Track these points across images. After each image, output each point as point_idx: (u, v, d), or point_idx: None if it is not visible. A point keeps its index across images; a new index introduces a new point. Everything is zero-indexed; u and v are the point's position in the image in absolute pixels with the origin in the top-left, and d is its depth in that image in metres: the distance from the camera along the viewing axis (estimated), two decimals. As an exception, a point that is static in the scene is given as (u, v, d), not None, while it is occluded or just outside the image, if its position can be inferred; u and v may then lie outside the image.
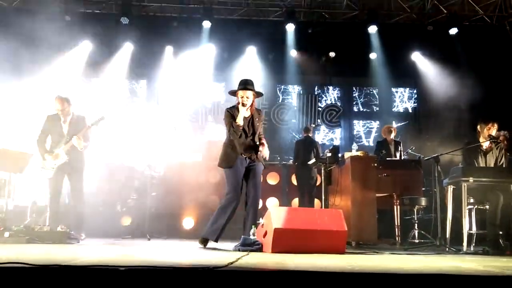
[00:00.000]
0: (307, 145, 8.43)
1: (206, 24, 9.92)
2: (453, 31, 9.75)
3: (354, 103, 11.19)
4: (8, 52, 9.33)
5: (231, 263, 2.83)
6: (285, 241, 4.12)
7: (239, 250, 4.33)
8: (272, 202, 8.65)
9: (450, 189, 5.41)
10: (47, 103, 8.76)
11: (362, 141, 10.85)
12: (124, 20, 9.64)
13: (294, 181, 8.71)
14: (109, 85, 10.94)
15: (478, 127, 5.49)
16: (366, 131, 10.98)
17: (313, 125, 8.92)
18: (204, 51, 10.40)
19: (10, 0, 9.87)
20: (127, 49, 10.34)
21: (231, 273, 2.41)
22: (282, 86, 11.26)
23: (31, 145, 6.63)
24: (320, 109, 10.88)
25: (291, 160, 8.88)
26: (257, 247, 4.35)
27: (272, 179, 8.87)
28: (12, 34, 9.34)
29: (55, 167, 5.82)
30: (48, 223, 6.31)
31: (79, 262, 2.71)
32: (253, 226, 4.68)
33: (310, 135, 8.67)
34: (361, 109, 11.20)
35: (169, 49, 10.42)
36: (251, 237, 4.53)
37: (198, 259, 3.36)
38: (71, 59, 10.11)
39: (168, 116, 10.69)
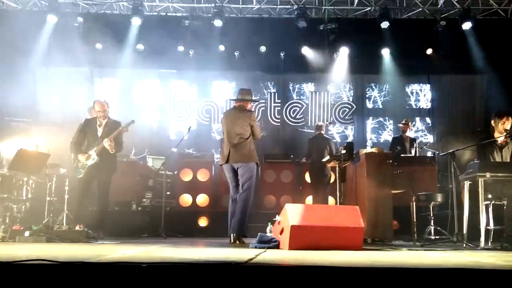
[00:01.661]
0: (320, 143, 8.42)
1: (218, 23, 9.93)
2: (467, 25, 9.64)
3: (367, 99, 11.14)
4: (22, 53, 9.48)
5: (251, 259, 2.85)
6: (302, 238, 4.12)
7: (256, 248, 4.34)
8: (285, 200, 8.64)
9: (466, 184, 5.35)
10: (62, 103, 8.93)
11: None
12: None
13: (307, 178, 8.70)
14: (121, 85, 11.05)
15: (492, 121, 5.44)
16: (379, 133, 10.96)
17: (327, 122, 8.88)
18: (215, 50, 10.42)
19: (24, 2, 9.99)
20: (139, 49, 10.40)
21: (252, 268, 2.43)
22: (294, 84, 11.25)
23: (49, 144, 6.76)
24: (332, 106, 10.84)
25: (304, 158, 8.86)
26: (274, 244, 4.36)
27: (285, 177, 8.87)
28: (26, 36, 9.48)
29: (86, 167, 5.99)
30: (65, 222, 6.41)
31: (102, 259, 2.74)
32: (269, 224, 4.72)
33: (323, 132, 8.65)
34: (374, 105, 11.15)
35: (180, 49, 10.46)
36: (268, 234, 4.55)
37: (217, 256, 3.38)
38: (83, 60, 10.20)
39: (181, 116, 10.76)
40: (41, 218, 6.65)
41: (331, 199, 8.23)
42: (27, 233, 4.93)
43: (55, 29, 9.73)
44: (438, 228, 6.04)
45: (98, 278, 2.23)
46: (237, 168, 5.41)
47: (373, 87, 11.18)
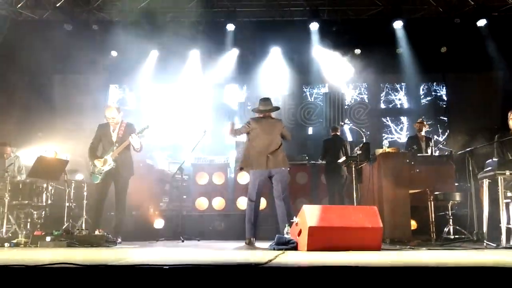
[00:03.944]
0: (335, 144, 8.39)
1: (230, 27, 9.98)
2: (482, 22, 9.52)
3: (381, 99, 11.07)
4: (40, 62, 9.64)
5: (270, 260, 2.86)
6: (320, 239, 4.12)
7: (274, 249, 4.34)
8: (301, 202, 8.62)
9: (485, 183, 5.29)
10: (79, 110, 9.07)
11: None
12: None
13: (323, 180, 8.68)
14: (136, 91, 11.18)
15: (510, 117, 5.40)
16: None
17: (342, 123, 8.84)
18: (229, 53, 10.47)
19: (40, 13, 10.18)
20: (153, 55, 10.50)
21: (272, 269, 2.44)
22: (308, 85, 11.24)
23: (67, 151, 6.86)
24: (347, 107, 10.80)
25: (320, 159, 8.83)
26: (292, 245, 4.36)
27: (301, 179, 8.85)
28: (43, 45, 9.64)
29: (103, 173, 6.01)
30: (84, 227, 6.50)
31: (125, 262, 2.78)
32: (286, 225, 4.72)
33: (338, 133, 8.63)
34: (389, 105, 11.08)
35: (194, 53, 10.53)
36: (286, 236, 4.55)
37: (236, 257, 3.40)
38: (99, 67, 10.34)
39: (196, 119, 10.83)
40: (61, 223, 6.76)
41: (347, 200, 8.19)
42: (48, 238, 5.00)
43: (71, 37, 9.87)
44: (457, 227, 5.98)
45: (122, 280, 2.26)
46: (273, 174, 5.74)
47: (388, 86, 11.10)
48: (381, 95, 11.09)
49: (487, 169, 5.20)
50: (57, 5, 9.95)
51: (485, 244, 5.01)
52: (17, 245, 5.37)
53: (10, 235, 6.15)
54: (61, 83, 10.22)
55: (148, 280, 2.25)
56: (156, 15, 10.07)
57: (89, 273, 2.31)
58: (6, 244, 5.35)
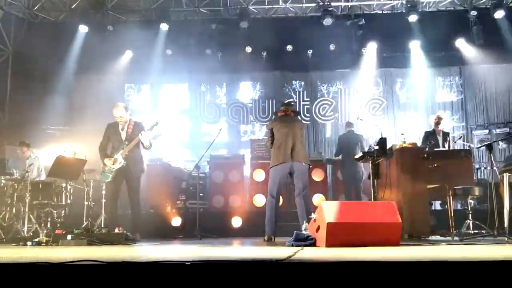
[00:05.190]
0: (351, 140, 8.36)
1: (244, 24, 9.98)
2: (499, 14, 9.37)
3: (398, 94, 10.97)
4: (56, 63, 9.79)
5: (290, 256, 2.86)
6: (339, 235, 4.10)
7: (292, 246, 4.34)
8: (318, 199, 8.60)
9: (506, 176, 5.22)
10: (96, 110, 9.17)
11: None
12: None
13: (340, 176, 8.64)
14: (152, 90, 11.26)
15: None
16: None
17: (358, 118, 8.77)
18: (243, 51, 10.47)
19: (57, 15, 10.32)
20: (168, 54, 10.56)
21: (292, 265, 2.44)
22: (323, 82, 11.18)
23: (85, 151, 6.95)
24: (363, 102, 10.71)
25: (335, 155, 8.80)
26: (310, 242, 4.35)
27: (317, 176, 8.82)
28: (60, 45, 9.78)
29: (114, 171, 6.07)
30: (104, 225, 6.58)
31: (146, 259, 2.81)
32: (304, 221, 4.72)
33: (353, 129, 8.59)
34: (405, 100, 10.96)
35: (208, 52, 10.56)
36: (304, 232, 4.55)
37: (255, 254, 3.41)
38: (115, 67, 10.45)
39: (211, 118, 10.87)
40: (80, 222, 6.86)
41: (364, 196, 8.15)
42: (69, 237, 5.07)
43: (87, 38, 10.00)
44: (477, 222, 5.89)
45: (144, 276, 2.29)
46: (294, 171, 5.75)
47: (404, 81, 10.99)
48: (397, 89, 10.98)
49: (508, 162, 5.13)
50: (73, 6, 10.09)
51: (506, 239, 4.94)
52: (38, 243, 5.45)
53: (31, 234, 6.26)
54: (77, 83, 10.35)
55: (169, 276, 2.27)
56: (170, 14, 10.13)
57: (112, 270, 2.34)
58: (29, 243, 5.44)
